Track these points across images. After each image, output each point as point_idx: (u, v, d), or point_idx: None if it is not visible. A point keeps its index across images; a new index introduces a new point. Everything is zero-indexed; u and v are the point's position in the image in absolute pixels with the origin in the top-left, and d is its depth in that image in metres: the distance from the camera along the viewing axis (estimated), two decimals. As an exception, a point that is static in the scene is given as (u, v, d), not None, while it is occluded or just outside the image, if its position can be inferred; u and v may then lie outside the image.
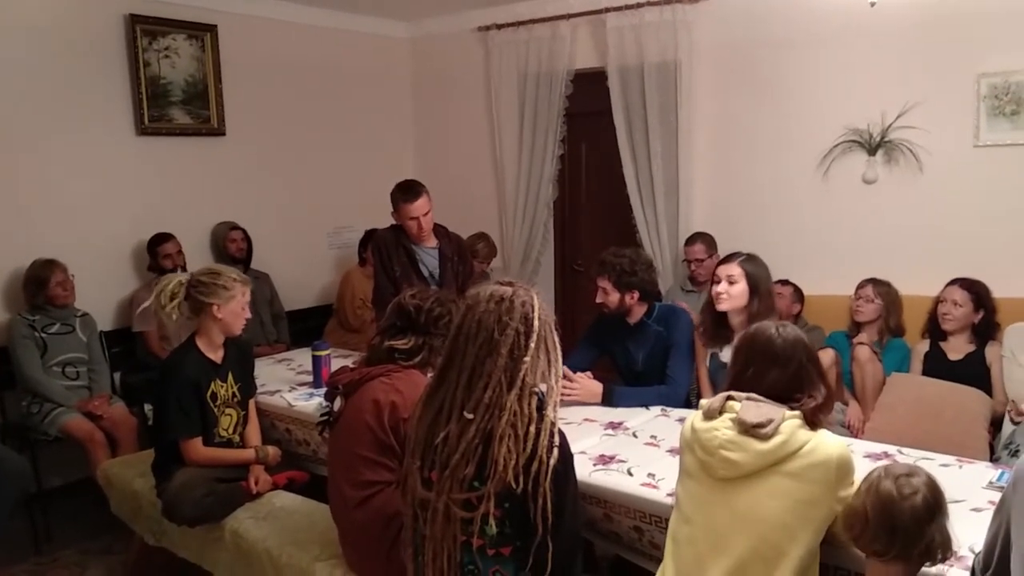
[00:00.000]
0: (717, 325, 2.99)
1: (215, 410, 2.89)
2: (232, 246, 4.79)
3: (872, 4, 2.31)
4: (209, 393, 2.87)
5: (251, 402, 3.11)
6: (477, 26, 5.41)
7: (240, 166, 4.98)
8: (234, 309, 2.88)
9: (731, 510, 1.75)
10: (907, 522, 1.52)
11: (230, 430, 2.96)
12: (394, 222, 3.73)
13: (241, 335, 3.01)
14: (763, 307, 2.88)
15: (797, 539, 1.69)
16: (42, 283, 3.89)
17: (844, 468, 1.75)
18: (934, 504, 1.55)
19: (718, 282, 2.94)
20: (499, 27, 5.28)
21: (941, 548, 1.54)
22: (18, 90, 4.05)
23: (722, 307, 2.92)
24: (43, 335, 3.88)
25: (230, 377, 2.96)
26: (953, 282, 3.55)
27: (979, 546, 1.59)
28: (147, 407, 3.89)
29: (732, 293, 2.90)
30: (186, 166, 4.74)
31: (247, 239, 4.85)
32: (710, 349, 3.08)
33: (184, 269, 4.32)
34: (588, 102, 5.00)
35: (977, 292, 3.49)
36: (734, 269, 2.91)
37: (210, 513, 2.78)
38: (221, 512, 2.79)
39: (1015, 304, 3.53)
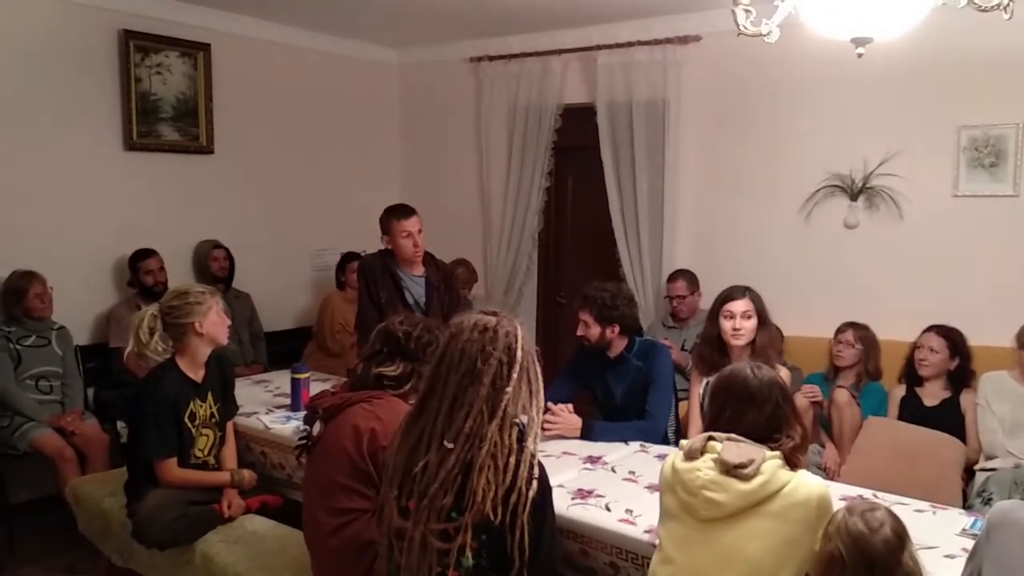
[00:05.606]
0: (719, 355, 2.98)
1: (192, 430, 2.85)
2: (214, 264, 4.77)
3: (859, 56, 2.38)
4: (188, 413, 2.83)
5: (229, 424, 3.07)
6: (469, 57, 5.46)
7: (227, 185, 4.98)
8: (214, 319, 2.86)
9: (713, 550, 1.75)
10: (883, 554, 1.53)
11: (206, 451, 2.93)
12: (382, 247, 3.70)
13: (226, 349, 2.99)
14: (769, 337, 2.97)
15: (778, 579, 1.70)
16: (20, 294, 3.85)
17: (824, 508, 1.76)
18: (902, 533, 1.57)
19: (729, 318, 2.95)
20: (491, 59, 5.34)
21: None
22: (8, 100, 4.04)
23: (740, 343, 2.93)
24: (18, 347, 3.82)
25: (210, 397, 2.93)
26: (930, 329, 3.59)
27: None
28: (120, 425, 3.84)
29: (748, 328, 2.93)
30: (173, 183, 4.72)
31: (229, 258, 4.82)
32: (706, 377, 3.02)
33: (165, 286, 4.29)
34: (576, 136, 5.05)
35: (953, 339, 3.54)
36: (747, 305, 2.94)
37: (181, 536, 2.73)
38: (192, 535, 2.75)
39: (990, 352, 3.57)
